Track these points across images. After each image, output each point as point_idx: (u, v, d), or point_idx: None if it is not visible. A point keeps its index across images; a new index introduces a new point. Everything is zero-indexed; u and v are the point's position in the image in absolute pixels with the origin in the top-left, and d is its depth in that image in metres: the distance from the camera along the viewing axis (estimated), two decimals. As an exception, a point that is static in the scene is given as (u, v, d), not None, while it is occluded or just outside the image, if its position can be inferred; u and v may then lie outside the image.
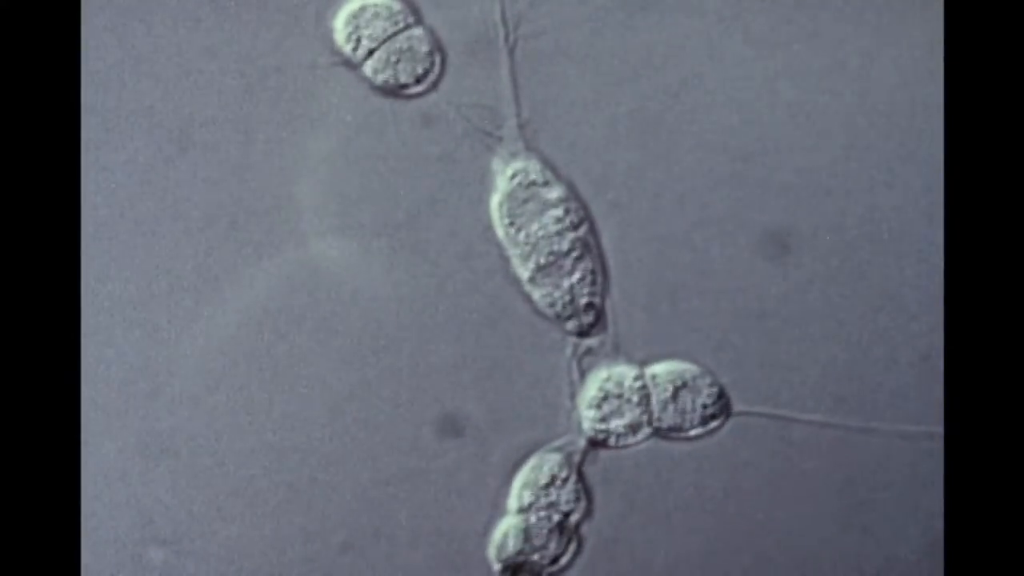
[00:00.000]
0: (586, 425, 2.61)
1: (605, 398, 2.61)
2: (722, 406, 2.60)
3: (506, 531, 2.60)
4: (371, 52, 2.59)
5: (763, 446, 2.62)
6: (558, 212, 2.59)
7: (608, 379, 2.60)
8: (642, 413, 2.60)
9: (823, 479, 2.62)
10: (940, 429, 2.39)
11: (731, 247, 2.61)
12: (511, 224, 2.60)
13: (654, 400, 2.60)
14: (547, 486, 2.61)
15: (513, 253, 2.60)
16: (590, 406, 2.61)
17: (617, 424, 2.61)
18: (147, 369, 2.57)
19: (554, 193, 2.59)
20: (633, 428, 2.61)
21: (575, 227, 2.60)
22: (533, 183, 2.60)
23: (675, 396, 2.61)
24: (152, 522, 2.58)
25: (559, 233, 2.60)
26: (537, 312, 2.61)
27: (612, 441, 2.61)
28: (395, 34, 2.59)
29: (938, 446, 2.47)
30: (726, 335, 2.61)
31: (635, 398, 2.60)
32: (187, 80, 2.57)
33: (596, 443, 2.62)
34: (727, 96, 2.61)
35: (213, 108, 2.57)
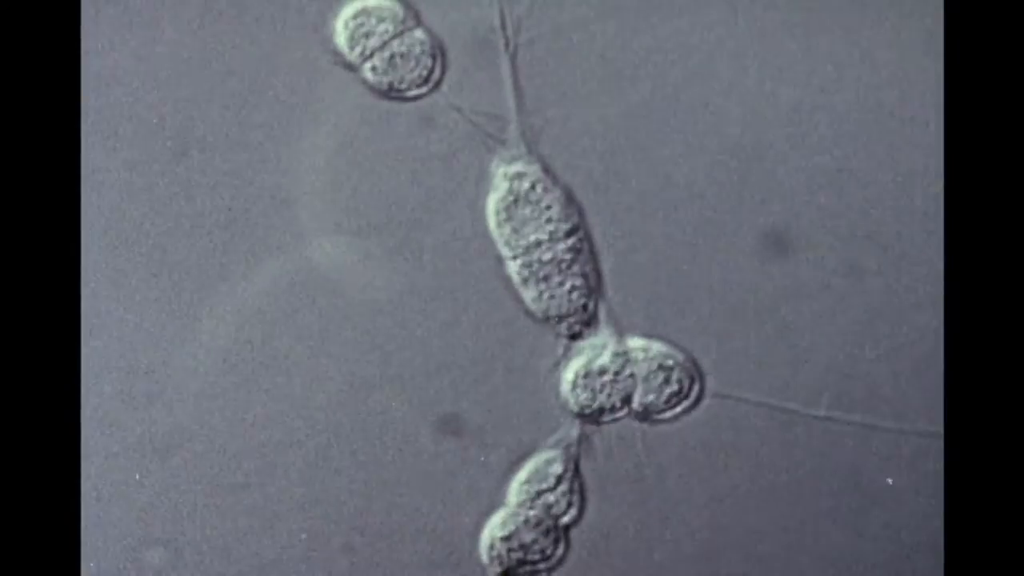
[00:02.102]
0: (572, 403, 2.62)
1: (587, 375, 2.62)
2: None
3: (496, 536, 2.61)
4: (371, 54, 2.59)
5: (763, 445, 2.62)
6: (552, 216, 2.60)
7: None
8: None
9: (823, 478, 2.62)
10: (940, 428, 2.39)
11: (730, 247, 2.61)
12: (507, 227, 2.60)
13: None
14: (547, 488, 2.62)
15: (507, 254, 2.60)
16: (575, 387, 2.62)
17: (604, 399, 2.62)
18: (147, 369, 2.58)
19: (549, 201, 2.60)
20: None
21: (567, 235, 2.61)
22: (530, 187, 2.60)
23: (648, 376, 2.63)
24: (152, 522, 2.58)
25: (551, 240, 2.60)
26: (532, 313, 2.62)
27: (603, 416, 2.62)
28: (395, 36, 2.59)
29: (938, 445, 2.47)
30: (725, 334, 2.61)
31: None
32: (187, 82, 2.57)
33: (586, 418, 2.62)
34: (727, 96, 2.61)
35: (213, 109, 2.57)
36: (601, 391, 2.62)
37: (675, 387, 2.62)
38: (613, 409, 2.62)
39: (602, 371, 2.61)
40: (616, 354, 2.62)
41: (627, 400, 2.62)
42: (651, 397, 2.62)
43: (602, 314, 2.62)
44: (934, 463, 2.56)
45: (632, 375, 2.61)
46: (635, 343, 2.63)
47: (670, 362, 2.62)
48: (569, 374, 2.62)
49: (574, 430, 2.62)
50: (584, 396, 2.61)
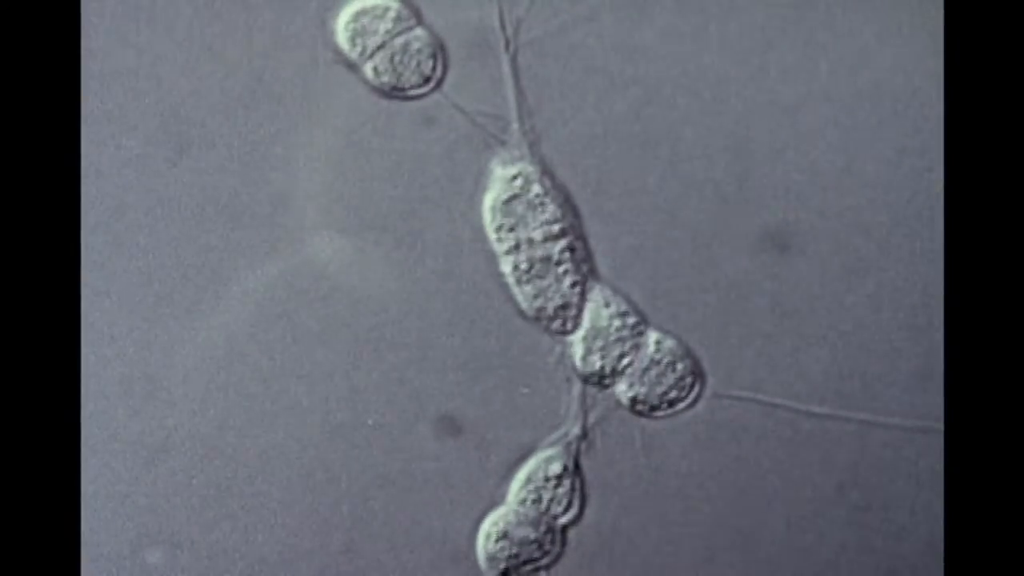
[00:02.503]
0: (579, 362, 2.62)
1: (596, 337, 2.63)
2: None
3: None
4: (372, 52, 2.59)
5: (761, 443, 2.62)
6: (547, 218, 2.60)
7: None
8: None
9: (822, 476, 2.62)
10: (940, 426, 2.39)
11: (731, 245, 2.61)
12: (502, 226, 2.60)
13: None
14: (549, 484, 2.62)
15: (500, 252, 2.61)
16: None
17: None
18: (147, 369, 2.57)
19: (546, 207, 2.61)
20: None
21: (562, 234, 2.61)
22: (525, 186, 2.61)
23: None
24: (152, 522, 2.58)
25: (545, 239, 2.60)
26: (525, 312, 2.62)
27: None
28: (396, 35, 2.59)
29: (938, 443, 2.47)
30: (725, 333, 2.61)
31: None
32: (187, 80, 2.57)
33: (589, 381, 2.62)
34: (727, 95, 2.61)
35: (213, 108, 2.57)
36: (610, 348, 2.61)
37: (674, 379, 2.62)
38: (613, 373, 2.62)
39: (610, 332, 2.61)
40: (614, 315, 2.62)
41: (621, 367, 2.61)
42: (643, 390, 2.62)
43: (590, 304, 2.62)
44: (934, 462, 2.56)
45: (638, 334, 2.61)
46: (652, 335, 2.63)
47: (677, 364, 2.62)
48: (580, 347, 2.62)
49: (575, 428, 2.63)
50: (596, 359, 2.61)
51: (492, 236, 2.61)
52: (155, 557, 2.58)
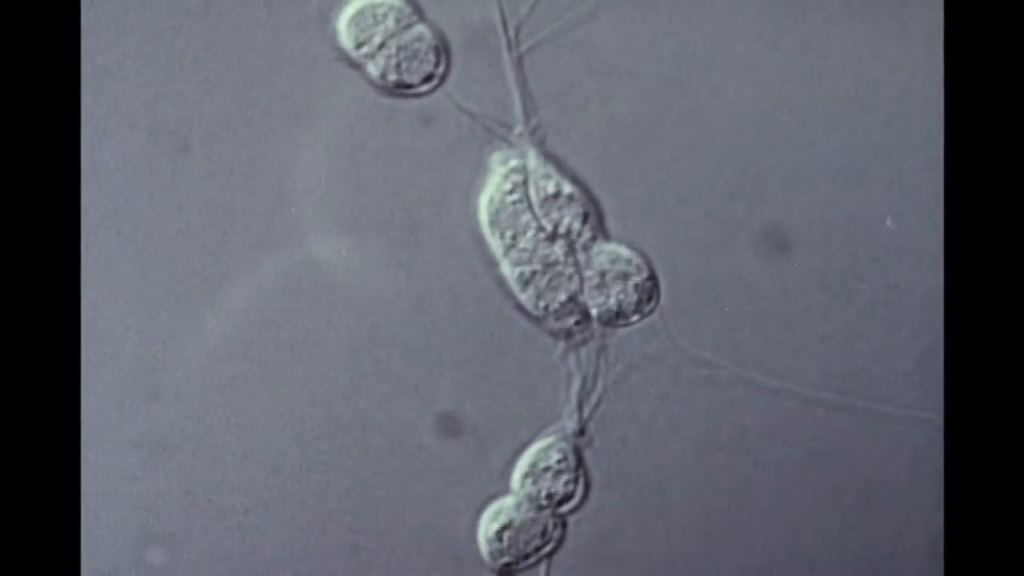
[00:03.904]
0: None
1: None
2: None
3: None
4: (374, 51, 2.59)
5: (761, 440, 2.62)
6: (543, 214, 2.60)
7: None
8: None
9: (821, 473, 2.62)
10: (940, 419, 2.40)
11: (731, 244, 2.61)
12: (499, 223, 2.61)
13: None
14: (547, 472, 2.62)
15: (499, 251, 2.61)
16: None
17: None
18: (147, 369, 2.58)
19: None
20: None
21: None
22: (523, 183, 2.61)
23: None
24: (152, 522, 2.58)
25: (542, 238, 2.61)
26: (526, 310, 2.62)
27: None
28: (398, 33, 2.59)
29: (937, 438, 2.48)
30: (726, 331, 2.62)
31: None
32: (187, 80, 2.57)
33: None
34: (728, 94, 2.61)
35: (212, 108, 2.58)
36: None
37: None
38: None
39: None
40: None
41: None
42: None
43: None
44: (934, 460, 2.57)
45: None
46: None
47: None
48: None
49: (572, 422, 2.63)
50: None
51: (489, 234, 2.61)
52: (155, 557, 2.58)
